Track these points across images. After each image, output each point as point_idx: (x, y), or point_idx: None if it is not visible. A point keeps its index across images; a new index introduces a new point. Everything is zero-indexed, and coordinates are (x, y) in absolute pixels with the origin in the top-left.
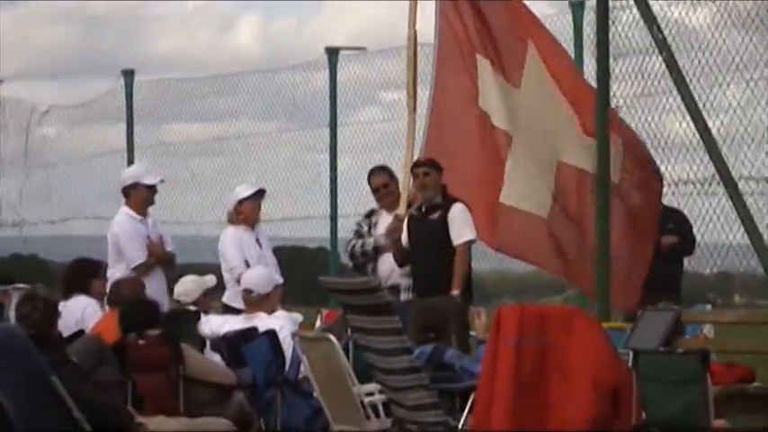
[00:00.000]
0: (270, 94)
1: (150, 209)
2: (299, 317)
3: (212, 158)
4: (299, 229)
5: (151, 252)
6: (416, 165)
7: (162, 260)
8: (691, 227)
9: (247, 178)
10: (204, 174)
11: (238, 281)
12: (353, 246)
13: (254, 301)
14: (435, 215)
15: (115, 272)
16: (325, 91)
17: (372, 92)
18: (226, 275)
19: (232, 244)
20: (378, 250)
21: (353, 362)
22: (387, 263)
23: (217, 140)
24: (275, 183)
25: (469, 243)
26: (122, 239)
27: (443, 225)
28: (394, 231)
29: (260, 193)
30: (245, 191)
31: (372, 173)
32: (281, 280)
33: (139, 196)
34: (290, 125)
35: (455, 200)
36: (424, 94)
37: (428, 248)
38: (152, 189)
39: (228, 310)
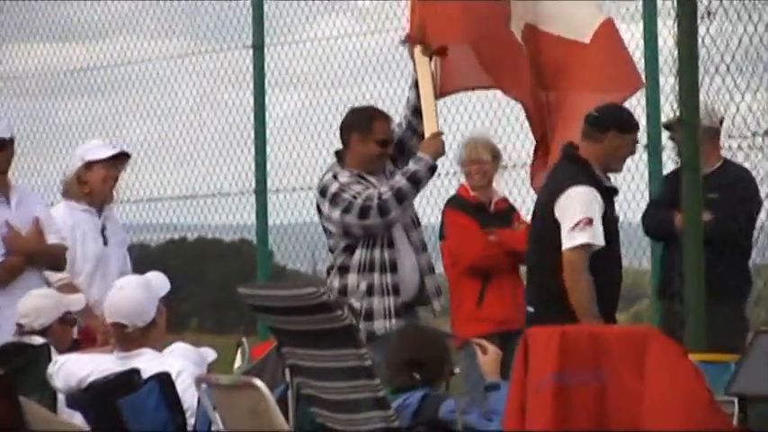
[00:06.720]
0: None
1: (11, 175)
2: (209, 353)
3: (72, 101)
4: (209, 211)
5: (12, 247)
6: None
7: (36, 257)
8: (751, 195)
9: (126, 132)
10: (60, 125)
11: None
12: (380, 195)
13: (133, 338)
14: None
15: None
16: None
17: None
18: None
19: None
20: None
21: (296, 421)
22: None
23: (79, 72)
24: (171, 137)
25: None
26: None
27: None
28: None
29: (120, 159)
30: (97, 150)
31: (374, 117)
32: (166, 287)
33: None
34: (195, 46)
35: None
36: None
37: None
38: (8, 145)
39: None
